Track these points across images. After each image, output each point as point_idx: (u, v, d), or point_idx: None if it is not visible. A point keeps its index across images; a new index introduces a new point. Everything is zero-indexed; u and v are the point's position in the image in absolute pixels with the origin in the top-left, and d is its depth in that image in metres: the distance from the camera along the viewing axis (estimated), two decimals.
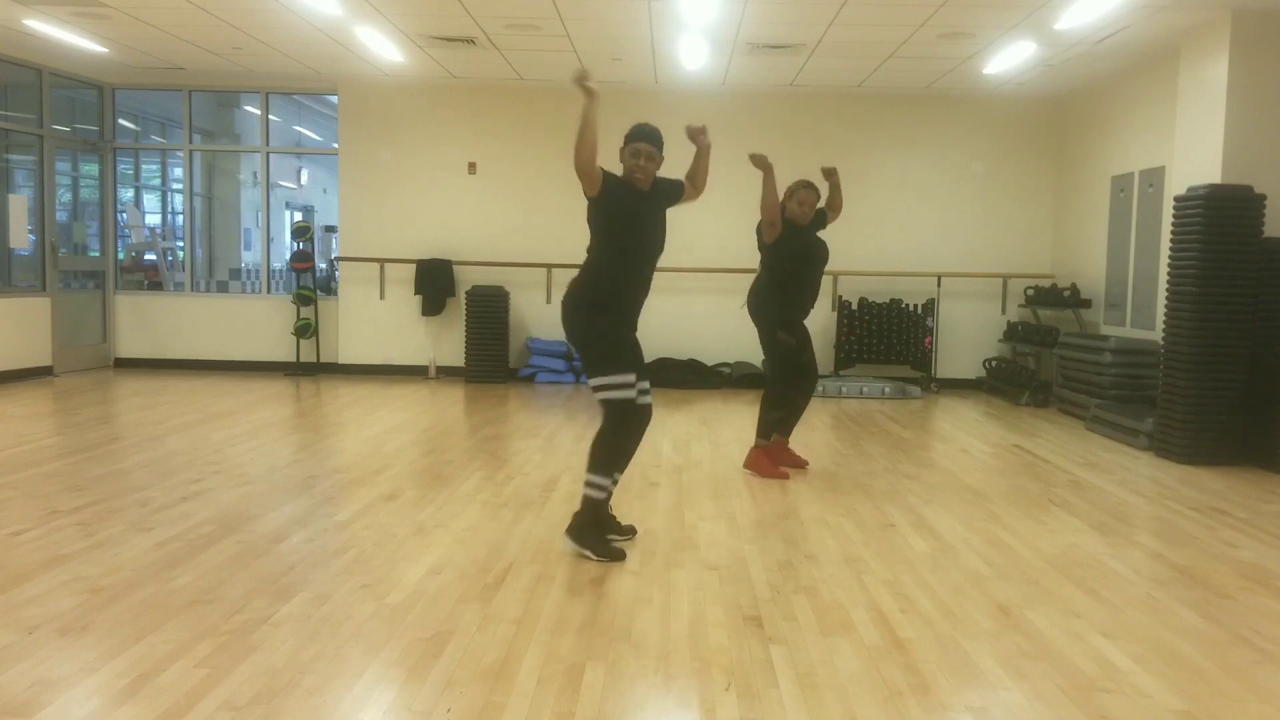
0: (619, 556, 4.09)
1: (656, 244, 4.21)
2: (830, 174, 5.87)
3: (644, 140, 4.09)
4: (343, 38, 8.32)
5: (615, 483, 4.26)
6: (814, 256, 5.77)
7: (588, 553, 4.08)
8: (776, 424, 5.89)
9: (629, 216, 4.09)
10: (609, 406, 4.11)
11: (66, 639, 3.10)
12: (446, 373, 10.38)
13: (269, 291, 11.17)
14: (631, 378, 4.10)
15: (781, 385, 5.83)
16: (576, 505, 4.66)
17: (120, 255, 11.42)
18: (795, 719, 2.67)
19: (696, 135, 4.40)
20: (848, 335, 9.97)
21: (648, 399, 4.23)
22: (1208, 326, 6.52)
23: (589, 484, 4.15)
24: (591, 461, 4.16)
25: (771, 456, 5.85)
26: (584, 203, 4.21)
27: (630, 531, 4.40)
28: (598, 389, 4.11)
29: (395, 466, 5.84)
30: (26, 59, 9.29)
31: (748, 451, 5.98)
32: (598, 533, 4.16)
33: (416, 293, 10.24)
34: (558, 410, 8.30)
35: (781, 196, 5.63)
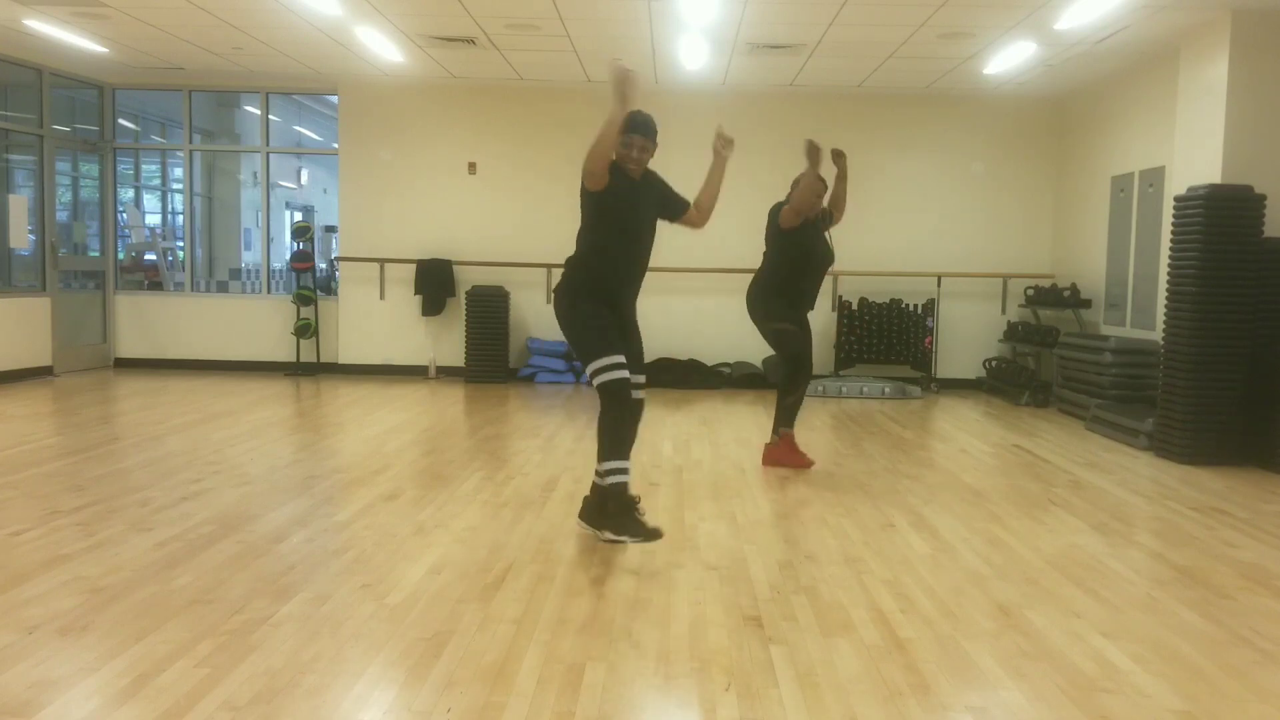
0: (657, 535, 4.08)
1: (643, 231, 4.24)
2: (839, 157, 5.79)
3: (639, 132, 4.16)
4: (343, 38, 8.32)
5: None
6: (817, 254, 5.79)
7: (625, 539, 4.06)
8: (788, 410, 5.93)
9: (620, 201, 4.15)
10: (602, 390, 4.12)
11: (66, 639, 3.09)
12: (446, 373, 10.38)
13: (269, 291, 11.18)
14: (620, 358, 4.10)
15: (791, 367, 5.86)
16: (577, 505, 4.66)
17: (120, 255, 11.42)
18: (795, 719, 2.67)
19: (727, 145, 4.44)
20: (848, 335, 9.97)
21: (639, 394, 4.23)
22: (1208, 326, 6.52)
23: (609, 472, 4.13)
24: (601, 450, 4.15)
25: (790, 446, 5.92)
26: None
27: (638, 499, 4.29)
28: (592, 375, 4.12)
29: (395, 466, 5.84)
30: (26, 59, 9.29)
31: (764, 449, 6.09)
32: (632, 517, 4.11)
33: (416, 293, 10.24)
34: (558, 410, 8.30)
35: (789, 191, 5.72)
